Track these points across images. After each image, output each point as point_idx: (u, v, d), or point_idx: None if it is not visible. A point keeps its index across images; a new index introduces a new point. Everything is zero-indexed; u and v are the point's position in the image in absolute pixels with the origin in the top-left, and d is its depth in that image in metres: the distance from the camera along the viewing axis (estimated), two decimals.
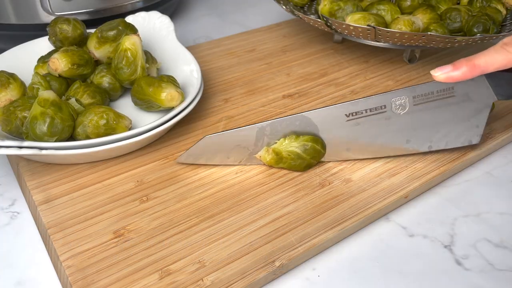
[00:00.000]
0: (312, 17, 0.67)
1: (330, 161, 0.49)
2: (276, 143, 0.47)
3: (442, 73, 0.44)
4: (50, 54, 0.57)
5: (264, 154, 0.47)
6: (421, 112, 0.48)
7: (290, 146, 0.47)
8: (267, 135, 0.47)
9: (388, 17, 0.66)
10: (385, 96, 0.47)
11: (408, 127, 0.48)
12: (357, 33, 0.61)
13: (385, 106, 0.47)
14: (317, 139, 0.47)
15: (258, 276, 0.38)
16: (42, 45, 0.61)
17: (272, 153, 0.47)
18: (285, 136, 0.47)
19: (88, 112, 0.48)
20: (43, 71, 0.55)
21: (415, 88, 0.47)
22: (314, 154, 0.47)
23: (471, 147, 0.52)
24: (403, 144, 0.49)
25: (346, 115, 0.47)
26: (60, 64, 0.53)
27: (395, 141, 0.49)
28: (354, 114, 0.47)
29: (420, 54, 0.69)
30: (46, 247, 0.42)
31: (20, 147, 0.43)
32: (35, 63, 0.57)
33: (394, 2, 0.71)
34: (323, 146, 0.48)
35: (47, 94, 0.46)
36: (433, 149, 0.49)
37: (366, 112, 0.47)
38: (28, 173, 0.47)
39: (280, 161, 0.47)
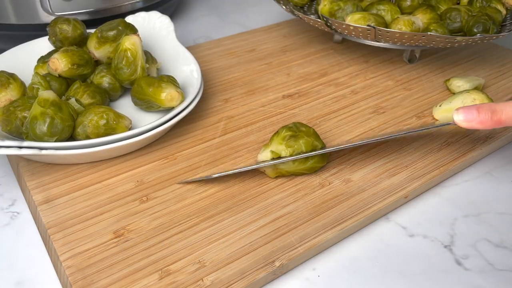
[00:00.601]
0: (312, 17, 0.67)
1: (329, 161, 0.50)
2: (284, 164, 0.46)
3: (464, 120, 0.43)
4: (50, 54, 0.57)
5: (270, 171, 0.46)
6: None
7: (299, 168, 0.46)
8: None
9: (388, 17, 0.66)
10: (401, 133, 0.47)
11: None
12: (357, 33, 0.61)
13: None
14: (324, 158, 0.47)
15: (258, 276, 0.38)
16: (42, 45, 0.61)
17: (279, 173, 0.46)
18: (294, 160, 0.46)
19: (88, 112, 0.48)
20: (43, 71, 0.55)
21: (431, 126, 0.47)
22: (317, 170, 0.48)
23: (471, 147, 0.52)
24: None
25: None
26: (60, 64, 0.53)
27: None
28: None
29: (420, 54, 0.69)
30: (46, 247, 0.42)
31: (20, 147, 0.43)
32: (35, 63, 0.57)
33: (394, 2, 0.71)
34: (327, 159, 0.48)
35: (47, 94, 0.46)
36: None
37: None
38: (28, 173, 0.47)
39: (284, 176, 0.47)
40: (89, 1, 0.68)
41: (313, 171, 0.47)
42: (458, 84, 0.61)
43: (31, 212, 0.46)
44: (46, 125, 0.45)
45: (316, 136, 0.47)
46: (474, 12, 0.66)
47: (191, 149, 0.51)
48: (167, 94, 0.50)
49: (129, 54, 0.53)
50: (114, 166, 0.48)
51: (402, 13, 0.69)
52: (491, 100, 0.52)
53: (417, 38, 0.58)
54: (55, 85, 0.53)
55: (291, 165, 0.46)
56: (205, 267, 0.38)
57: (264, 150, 0.47)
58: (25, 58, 0.59)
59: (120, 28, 0.55)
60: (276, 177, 0.47)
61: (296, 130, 0.47)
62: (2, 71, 0.52)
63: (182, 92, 0.52)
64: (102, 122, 0.48)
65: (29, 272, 0.41)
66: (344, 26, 0.61)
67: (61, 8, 0.67)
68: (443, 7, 0.69)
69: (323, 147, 0.47)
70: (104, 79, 0.55)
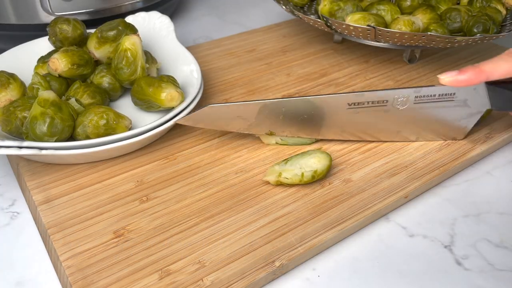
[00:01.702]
0: (312, 17, 0.67)
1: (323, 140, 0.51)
2: (289, 170, 0.46)
3: (448, 77, 0.45)
4: (50, 54, 0.57)
5: (273, 179, 0.46)
6: (418, 110, 0.50)
7: (304, 179, 0.45)
8: (268, 112, 0.48)
9: (388, 17, 0.66)
10: (390, 92, 0.49)
11: (403, 120, 0.50)
12: (357, 33, 0.61)
13: (387, 101, 0.49)
14: (329, 166, 0.46)
15: (258, 276, 0.38)
16: (42, 45, 0.61)
17: (281, 182, 0.46)
18: (301, 172, 0.45)
19: (88, 112, 0.48)
20: (43, 71, 0.55)
21: (420, 89, 0.48)
22: None
23: (471, 147, 0.52)
24: (394, 134, 0.52)
25: (348, 104, 0.49)
26: (60, 64, 0.53)
27: (388, 129, 0.51)
28: (356, 104, 0.48)
29: (420, 54, 0.69)
30: (46, 247, 0.42)
31: (20, 147, 0.43)
32: (35, 63, 0.57)
33: (394, 2, 0.71)
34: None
35: (47, 94, 0.46)
36: (419, 140, 0.52)
37: (367, 103, 0.49)
38: (28, 173, 0.47)
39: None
40: (89, 1, 0.68)
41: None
42: None
43: (31, 212, 0.46)
44: (46, 125, 0.45)
45: None
46: (474, 12, 0.66)
47: (191, 149, 0.51)
48: (167, 94, 0.50)
49: (129, 54, 0.53)
50: (114, 166, 0.48)
51: (402, 13, 0.69)
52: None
53: (417, 38, 0.58)
54: (55, 85, 0.53)
55: (296, 176, 0.45)
56: (205, 267, 0.38)
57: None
58: (25, 58, 0.59)
59: (120, 28, 0.55)
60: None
61: None
62: (2, 71, 0.52)
63: (182, 92, 0.52)
64: (102, 122, 0.48)
65: (29, 272, 0.41)
66: (344, 26, 0.61)
67: (61, 8, 0.67)
68: (443, 7, 0.69)
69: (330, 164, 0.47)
70: (104, 79, 0.55)
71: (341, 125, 0.50)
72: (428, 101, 0.49)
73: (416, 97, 0.48)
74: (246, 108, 0.48)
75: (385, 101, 0.48)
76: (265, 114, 0.48)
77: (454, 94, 0.48)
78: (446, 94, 0.48)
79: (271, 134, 0.50)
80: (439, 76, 0.46)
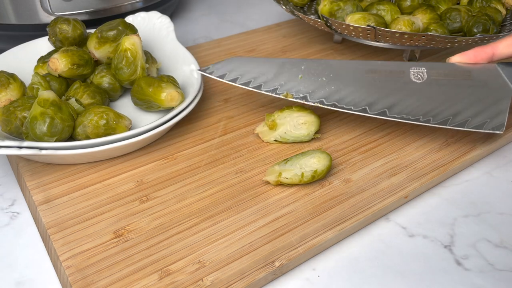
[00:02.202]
0: (312, 17, 0.67)
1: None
2: (289, 170, 0.45)
3: (458, 55, 0.50)
4: (50, 54, 0.57)
5: (273, 179, 0.46)
6: (439, 86, 0.49)
7: (304, 179, 0.45)
8: (286, 71, 0.51)
9: (388, 17, 0.66)
10: (404, 64, 0.51)
11: (425, 94, 0.49)
12: (357, 33, 0.61)
13: (403, 72, 0.50)
14: (329, 166, 0.46)
15: (258, 276, 0.38)
16: (42, 45, 0.61)
17: (281, 182, 0.46)
18: (301, 172, 0.45)
19: (88, 112, 0.48)
20: (43, 71, 0.55)
21: (433, 64, 0.50)
22: None
23: (471, 147, 0.52)
24: (420, 112, 0.48)
25: (365, 70, 0.50)
26: (60, 64, 0.53)
27: (411, 103, 0.48)
28: (374, 71, 0.50)
29: (420, 54, 0.69)
30: (46, 247, 0.42)
31: (20, 147, 0.43)
32: (35, 63, 0.57)
33: (394, 2, 0.71)
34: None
35: (47, 94, 0.46)
36: (452, 125, 0.48)
37: (385, 72, 0.50)
38: (28, 173, 0.47)
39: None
40: (89, 1, 0.68)
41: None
42: None
43: (31, 212, 0.46)
44: (46, 125, 0.45)
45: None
46: (474, 12, 0.66)
47: (191, 149, 0.51)
48: (167, 94, 0.51)
49: (129, 54, 0.53)
50: (114, 166, 0.48)
51: (402, 13, 0.69)
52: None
53: (417, 38, 0.58)
54: (55, 85, 0.53)
55: (297, 175, 0.45)
56: (205, 267, 0.38)
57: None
58: (25, 58, 0.59)
59: (120, 28, 0.55)
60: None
61: None
62: (2, 71, 0.52)
63: (182, 92, 0.52)
64: (102, 122, 0.48)
65: (29, 272, 0.41)
66: (344, 26, 0.61)
67: (61, 8, 0.67)
68: (443, 7, 0.69)
69: (330, 163, 0.46)
70: (104, 79, 0.55)
71: (361, 94, 0.49)
72: (446, 77, 0.49)
73: (432, 71, 0.50)
74: (267, 63, 0.51)
75: (401, 72, 0.50)
76: (285, 70, 0.51)
77: (469, 72, 0.49)
78: (461, 72, 0.49)
79: (287, 96, 0.50)
80: (450, 59, 0.50)
